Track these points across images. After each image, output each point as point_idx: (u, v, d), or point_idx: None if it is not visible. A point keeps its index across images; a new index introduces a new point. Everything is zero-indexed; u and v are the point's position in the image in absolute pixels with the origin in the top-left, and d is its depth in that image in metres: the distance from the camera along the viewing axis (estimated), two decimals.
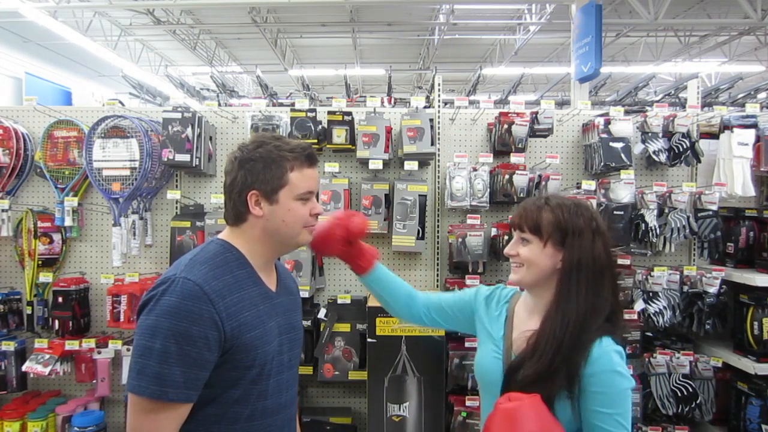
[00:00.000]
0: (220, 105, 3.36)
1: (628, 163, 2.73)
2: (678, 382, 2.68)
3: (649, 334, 2.85)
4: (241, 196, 1.32)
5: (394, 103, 6.62)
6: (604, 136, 2.77)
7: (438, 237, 2.94)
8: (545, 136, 2.89)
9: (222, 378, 1.24)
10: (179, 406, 1.19)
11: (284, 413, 1.38)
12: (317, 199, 2.71)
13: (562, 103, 7.98)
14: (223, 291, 1.24)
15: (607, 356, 1.27)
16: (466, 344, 2.66)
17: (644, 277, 2.73)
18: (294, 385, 1.45)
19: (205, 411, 1.24)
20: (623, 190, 2.70)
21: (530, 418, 1.17)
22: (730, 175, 2.80)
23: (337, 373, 2.71)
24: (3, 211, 2.76)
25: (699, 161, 2.86)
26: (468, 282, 2.73)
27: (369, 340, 2.51)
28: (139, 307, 1.24)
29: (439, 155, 2.92)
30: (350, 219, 1.57)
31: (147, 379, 1.15)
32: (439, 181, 2.94)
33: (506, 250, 1.44)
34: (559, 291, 1.34)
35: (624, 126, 2.78)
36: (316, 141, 2.78)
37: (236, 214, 1.35)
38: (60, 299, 2.73)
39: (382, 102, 3.91)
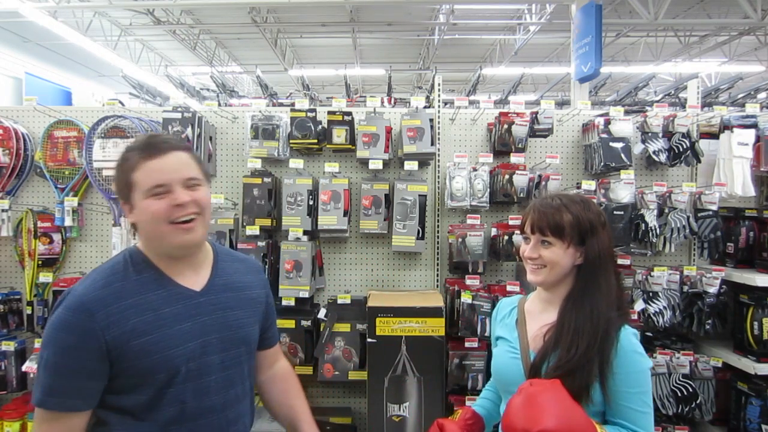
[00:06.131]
0: (220, 105, 3.36)
1: (628, 163, 2.73)
2: (678, 382, 2.68)
3: (649, 334, 2.85)
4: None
5: (394, 103, 6.62)
6: (604, 136, 2.77)
7: (438, 237, 2.94)
8: (545, 136, 2.89)
9: (123, 384, 1.24)
10: (68, 416, 1.21)
11: (213, 417, 1.32)
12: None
13: (562, 103, 7.97)
14: (108, 299, 1.23)
15: (628, 339, 1.34)
16: (466, 344, 2.66)
17: (644, 277, 2.73)
18: (233, 386, 1.37)
19: (122, 418, 1.25)
20: (623, 190, 2.70)
21: (552, 402, 1.20)
22: (730, 175, 2.80)
23: (337, 373, 2.71)
24: (3, 211, 2.76)
25: (699, 161, 2.86)
26: (468, 282, 2.73)
27: (369, 340, 2.51)
28: None
29: (439, 155, 2.92)
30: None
31: (39, 389, 1.20)
32: (439, 181, 2.94)
33: (527, 254, 1.44)
34: (583, 285, 1.39)
35: (624, 126, 2.78)
36: (316, 141, 2.78)
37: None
38: None
39: (382, 102, 3.91)
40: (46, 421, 1.21)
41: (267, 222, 2.73)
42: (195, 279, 1.35)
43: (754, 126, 2.82)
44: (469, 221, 2.76)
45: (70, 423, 1.22)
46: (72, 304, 1.22)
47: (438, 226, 2.94)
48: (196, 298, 1.33)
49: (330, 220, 2.73)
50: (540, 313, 1.47)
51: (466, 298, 2.63)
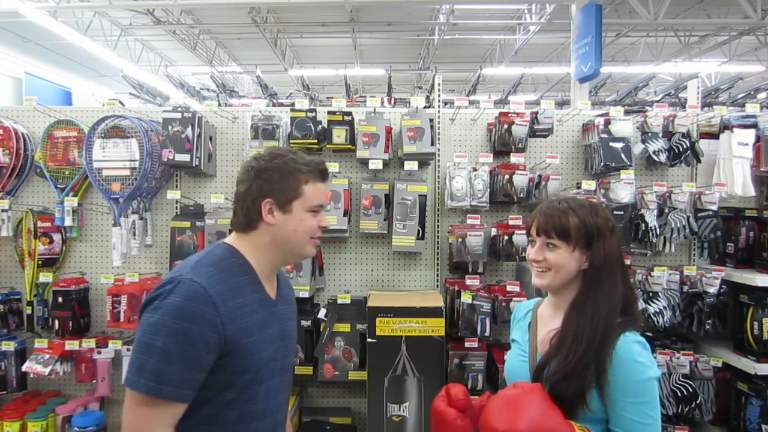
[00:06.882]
0: (220, 105, 3.36)
1: (628, 163, 2.73)
2: (678, 382, 2.68)
3: (649, 334, 2.85)
4: (255, 204, 1.36)
5: (394, 103, 6.61)
6: (604, 136, 2.77)
7: (438, 237, 2.94)
8: (545, 136, 2.89)
9: (218, 381, 1.26)
10: (174, 405, 1.21)
11: (271, 418, 1.40)
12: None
13: (562, 103, 7.97)
14: (226, 295, 1.26)
15: (628, 346, 1.30)
16: (466, 344, 2.66)
17: (644, 277, 2.73)
18: (283, 391, 1.46)
19: (198, 412, 1.26)
20: (623, 190, 2.70)
21: (527, 405, 1.20)
22: (730, 175, 2.80)
23: (337, 373, 2.71)
24: (3, 211, 2.76)
25: (699, 161, 2.85)
26: (468, 282, 2.73)
27: (369, 340, 2.51)
28: (143, 304, 1.26)
29: (439, 155, 2.92)
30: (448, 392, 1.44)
31: (146, 375, 1.17)
32: (439, 181, 2.94)
33: (532, 256, 1.44)
34: (587, 290, 1.38)
35: (624, 126, 2.78)
36: (316, 141, 2.78)
37: (248, 221, 1.38)
38: (60, 299, 2.73)
39: (382, 102, 3.90)
40: (144, 407, 1.18)
41: None
42: (272, 289, 1.45)
43: (754, 126, 2.82)
44: (469, 221, 2.76)
45: (175, 413, 1.21)
46: (194, 294, 1.21)
47: (438, 226, 2.94)
48: (273, 306, 1.42)
49: (330, 220, 2.73)
50: (550, 318, 1.47)
51: (466, 298, 2.63)
